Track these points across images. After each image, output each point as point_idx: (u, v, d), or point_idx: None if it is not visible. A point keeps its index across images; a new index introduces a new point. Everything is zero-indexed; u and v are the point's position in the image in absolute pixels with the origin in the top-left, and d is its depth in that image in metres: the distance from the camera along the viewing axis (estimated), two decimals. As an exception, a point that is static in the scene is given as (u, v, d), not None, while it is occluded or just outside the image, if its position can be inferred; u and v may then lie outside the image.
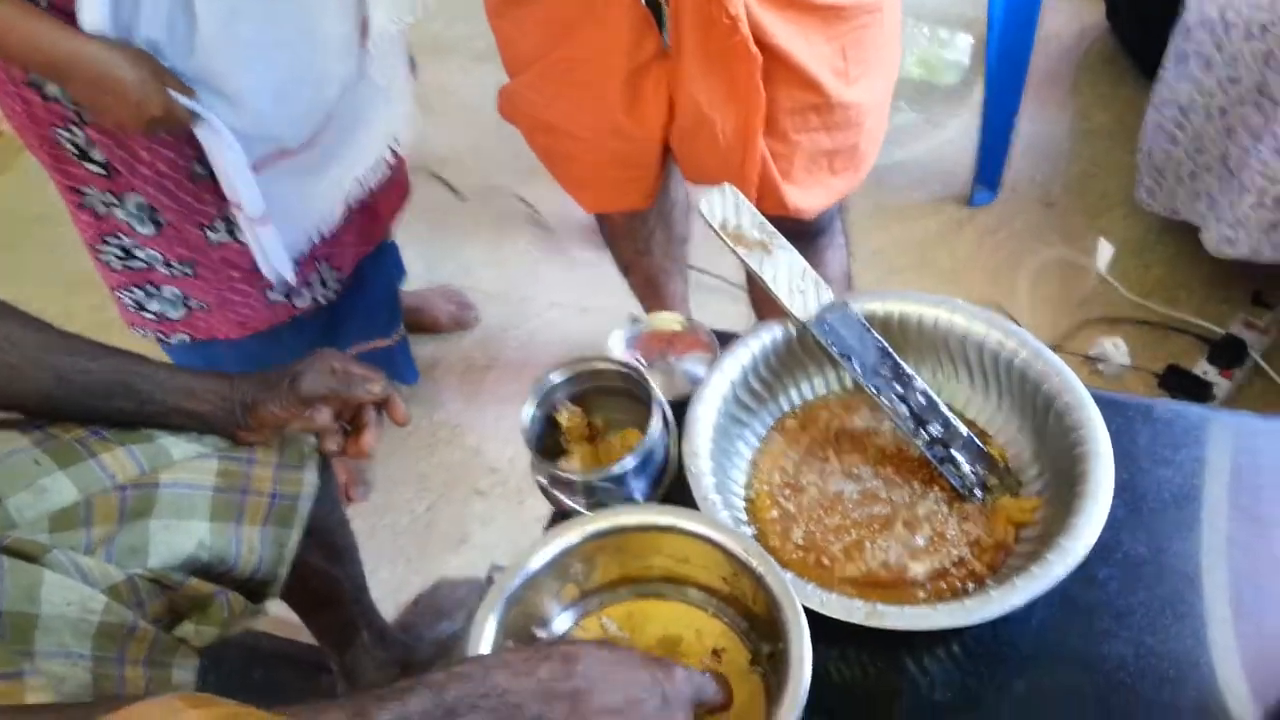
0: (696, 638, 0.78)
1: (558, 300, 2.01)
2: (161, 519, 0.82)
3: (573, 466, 0.91)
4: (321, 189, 1.26)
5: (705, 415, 0.87)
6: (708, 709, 0.69)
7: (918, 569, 0.82)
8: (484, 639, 0.72)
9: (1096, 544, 0.74)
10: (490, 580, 0.77)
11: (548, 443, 0.91)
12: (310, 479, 0.95)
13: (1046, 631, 0.78)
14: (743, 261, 0.92)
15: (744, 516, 0.87)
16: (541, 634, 0.78)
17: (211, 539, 0.85)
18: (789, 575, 0.74)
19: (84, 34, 0.97)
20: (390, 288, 1.62)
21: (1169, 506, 0.85)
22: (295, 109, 1.16)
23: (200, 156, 1.13)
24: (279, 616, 1.18)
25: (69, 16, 0.97)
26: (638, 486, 0.86)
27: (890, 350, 0.89)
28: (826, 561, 0.83)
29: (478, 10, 1.14)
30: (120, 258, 1.23)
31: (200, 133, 1.07)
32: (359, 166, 1.30)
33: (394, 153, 1.35)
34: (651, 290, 1.60)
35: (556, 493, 0.86)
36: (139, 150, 1.12)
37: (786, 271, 0.91)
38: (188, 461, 0.86)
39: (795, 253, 0.93)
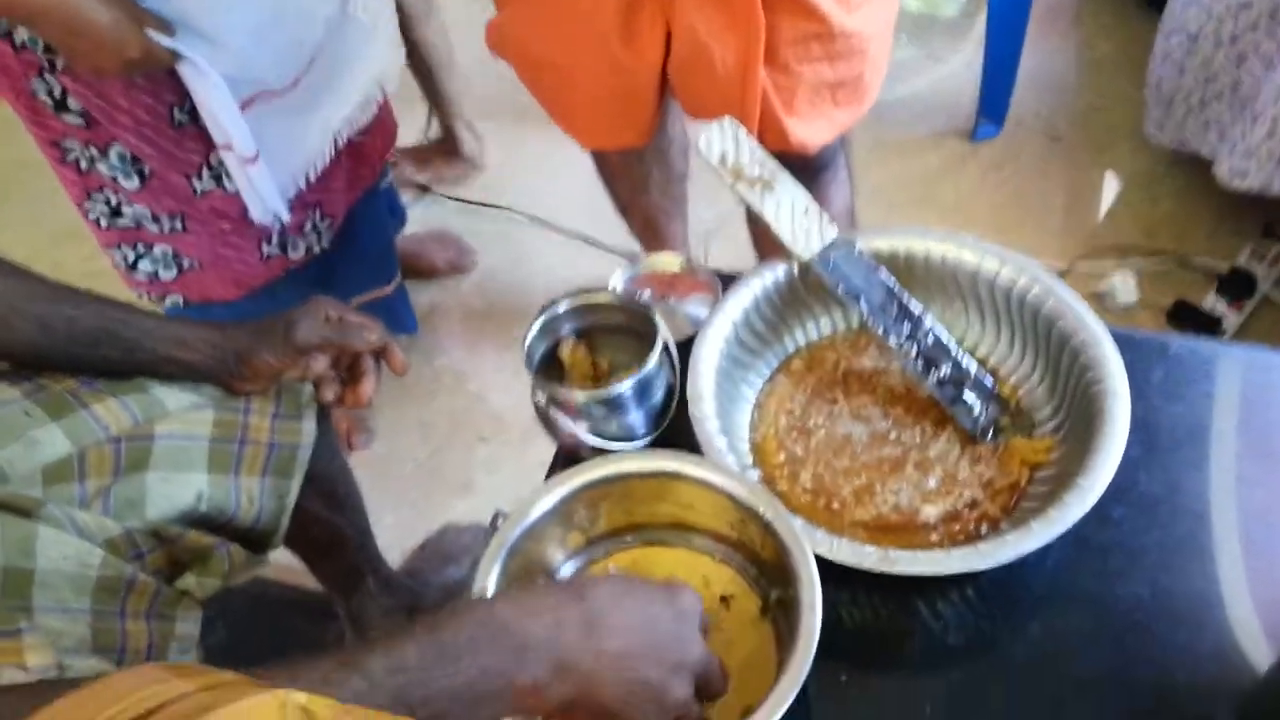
0: (704, 585, 0.77)
1: (556, 243, 1.98)
2: (158, 471, 0.81)
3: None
4: (310, 129, 1.23)
5: (708, 358, 0.85)
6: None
7: (930, 512, 0.80)
8: (488, 589, 0.71)
9: (1110, 483, 0.73)
10: (494, 525, 0.75)
11: (552, 381, 0.90)
12: (309, 428, 0.93)
13: (1060, 572, 0.77)
14: (743, 199, 0.89)
15: (750, 461, 0.86)
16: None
17: (210, 490, 0.83)
18: (798, 521, 0.73)
19: None
20: (384, 235, 1.59)
21: (1183, 444, 0.84)
22: (278, 48, 1.12)
23: (181, 102, 1.10)
24: (285, 564, 1.17)
25: None
26: (638, 418, 0.85)
27: (898, 289, 0.87)
28: (836, 505, 0.82)
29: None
30: (108, 215, 1.21)
31: (184, 71, 1.03)
32: (347, 106, 1.27)
33: (382, 92, 1.32)
34: (650, 231, 1.58)
35: (555, 416, 0.84)
36: (116, 97, 1.08)
37: (789, 208, 0.89)
38: (183, 412, 0.84)
39: (799, 187, 0.90)
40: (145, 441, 0.81)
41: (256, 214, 1.20)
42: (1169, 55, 1.69)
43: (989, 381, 0.86)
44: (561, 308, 0.88)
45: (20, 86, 1.08)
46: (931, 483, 0.82)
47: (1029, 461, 0.82)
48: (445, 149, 2.08)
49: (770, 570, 0.74)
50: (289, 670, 0.52)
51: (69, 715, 0.33)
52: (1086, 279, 1.75)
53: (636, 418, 0.85)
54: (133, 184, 1.17)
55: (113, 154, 1.14)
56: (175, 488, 0.81)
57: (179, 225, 1.23)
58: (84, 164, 1.15)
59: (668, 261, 1.00)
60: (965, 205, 1.93)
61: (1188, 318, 1.66)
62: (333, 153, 1.29)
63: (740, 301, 0.89)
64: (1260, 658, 0.72)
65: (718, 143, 0.90)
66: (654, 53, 1.10)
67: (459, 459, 1.69)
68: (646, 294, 0.97)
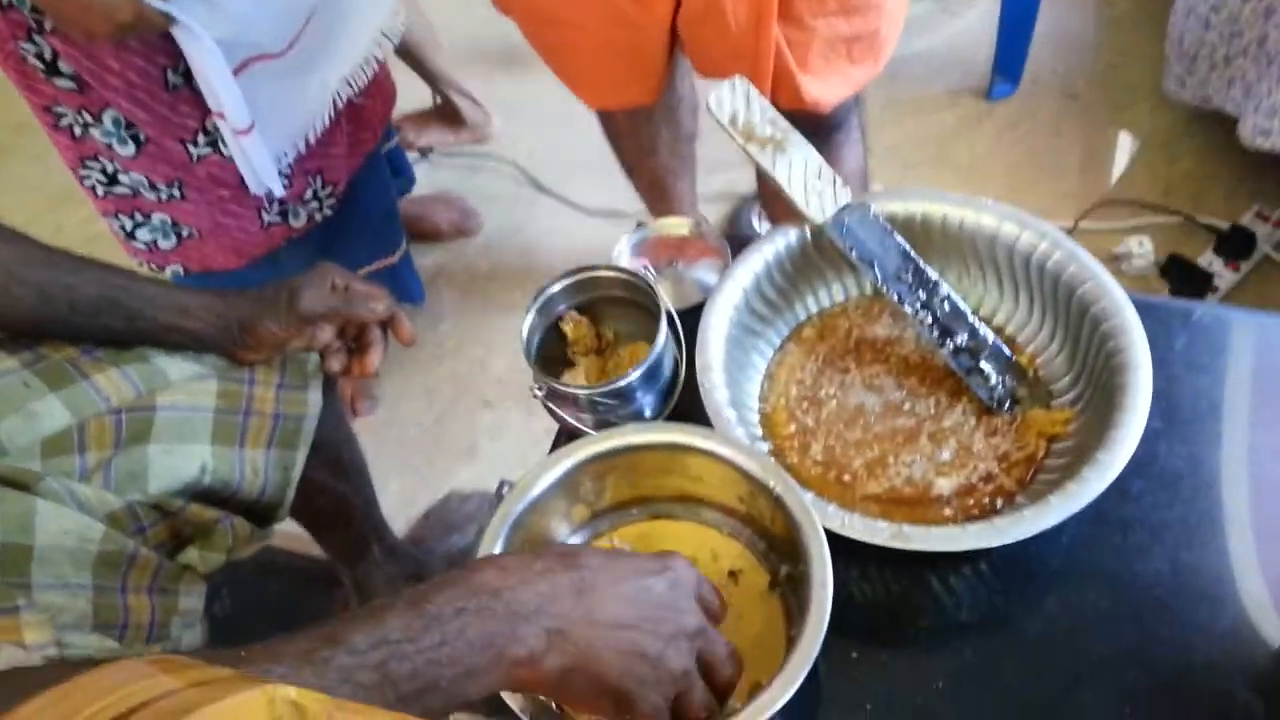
0: (712, 559, 0.76)
1: (562, 205, 1.95)
2: (161, 443, 0.80)
3: (576, 380, 0.88)
4: (308, 91, 1.20)
5: (718, 326, 0.83)
6: (708, 613, 0.66)
7: (944, 485, 0.78)
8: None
9: (1130, 457, 0.71)
10: (500, 495, 0.74)
11: (554, 355, 0.88)
12: (315, 399, 0.92)
13: (1077, 548, 0.75)
14: (754, 160, 0.86)
15: (759, 432, 0.84)
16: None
17: (214, 462, 0.82)
18: (809, 495, 0.71)
19: None
20: (388, 201, 1.56)
21: (1206, 417, 0.81)
22: (275, 10, 1.09)
23: (174, 64, 1.07)
24: (290, 532, 1.17)
25: None
26: (646, 401, 0.83)
27: (913, 254, 0.85)
28: (847, 478, 0.80)
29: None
30: (104, 183, 1.18)
31: (179, 35, 1.01)
32: (346, 66, 1.24)
33: (380, 51, 1.29)
34: (657, 191, 1.55)
35: (557, 409, 0.82)
36: (108, 60, 1.05)
37: (802, 170, 0.86)
38: (186, 383, 0.83)
39: (811, 149, 0.87)
40: (147, 413, 0.80)
41: (252, 185, 1.17)
42: (1192, 9, 1.64)
43: (1006, 351, 0.84)
44: (556, 287, 0.85)
45: (9, 49, 1.05)
46: (945, 455, 0.80)
47: (1046, 433, 0.80)
48: (446, 115, 2.05)
49: (780, 545, 0.73)
50: (272, 649, 0.49)
51: (51, 711, 0.32)
52: (1103, 240, 1.72)
53: (644, 402, 0.83)
54: (128, 151, 1.15)
55: (106, 119, 1.12)
56: (178, 460, 0.80)
57: (176, 193, 1.21)
58: (77, 130, 1.13)
59: (676, 225, 0.98)
60: (980, 165, 1.90)
61: (1181, 274, 1.64)
62: (332, 114, 1.26)
63: (751, 267, 0.87)
64: (1274, 633, 0.71)
65: (728, 102, 0.87)
66: (663, 6, 1.07)
67: (463, 424, 1.68)
68: (649, 269, 0.95)
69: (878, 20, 1.10)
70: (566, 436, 0.86)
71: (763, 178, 0.88)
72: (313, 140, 1.25)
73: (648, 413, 0.84)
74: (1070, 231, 1.72)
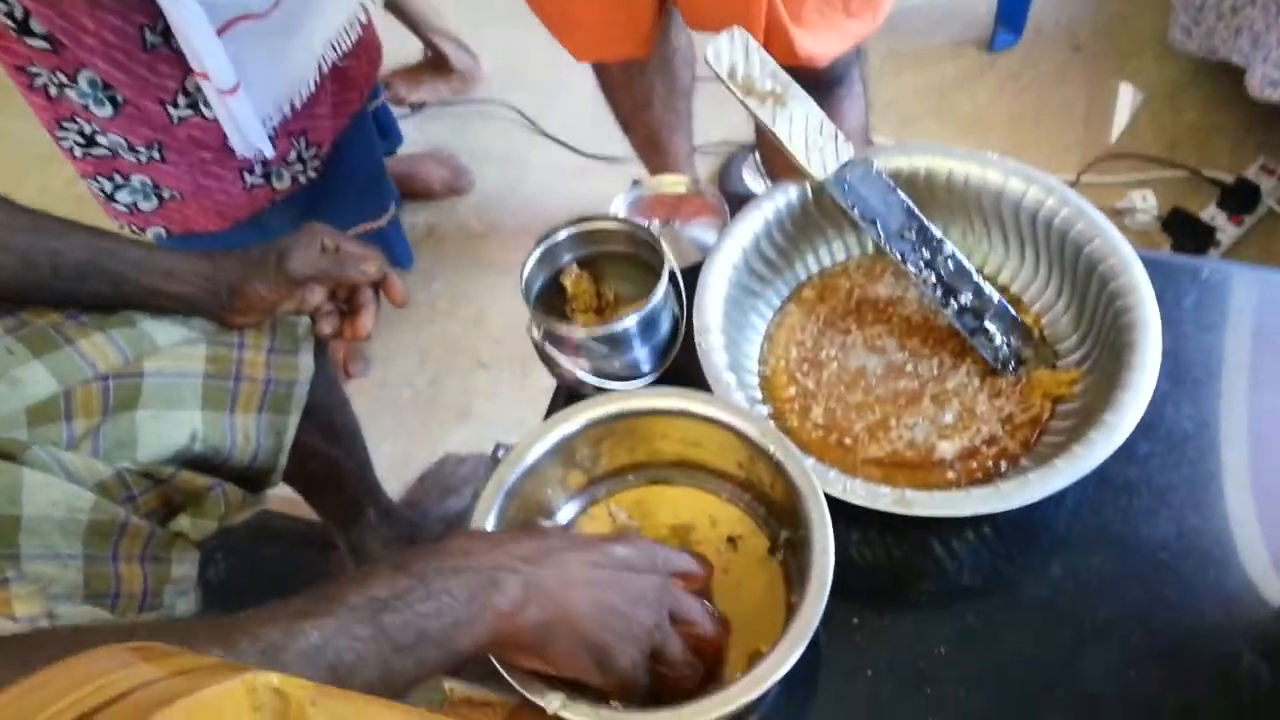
0: (710, 525, 0.75)
1: (556, 162, 1.92)
2: (149, 409, 0.78)
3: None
4: (293, 53, 1.17)
5: (716, 286, 0.81)
6: (692, 582, 0.67)
7: (946, 448, 0.77)
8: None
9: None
10: (496, 458, 0.73)
11: (553, 310, 0.86)
12: (306, 363, 0.91)
13: (1083, 511, 0.74)
14: (753, 115, 0.84)
15: (759, 395, 0.82)
16: (546, 524, 0.75)
17: (204, 429, 0.81)
18: (809, 460, 0.70)
19: None
20: (374, 162, 1.53)
21: (1214, 377, 0.80)
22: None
23: (152, 23, 1.04)
24: (284, 495, 1.16)
25: None
26: (643, 353, 0.81)
27: (917, 211, 0.82)
28: (848, 441, 0.79)
29: None
30: (82, 144, 1.15)
31: None
32: (330, 27, 1.21)
33: (365, 11, 1.25)
34: (653, 146, 1.52)
35: (553, 354, 0.81)
36: (82, 19, 1.02)
37: (802, 125, 0.84)
38: (174, 348, 0.81)
39: (812, 103, 0.84)
40: (135, 379, 0.78)
41: (239, 147, 1.15)
42: (1200, -44, 1.60)
43: (1011, 310, 0.82)
44: (562, 235, 0.84)
45: None
46: (948, 417, 0.79)
47: (1052, 395, 0.79)
48: (436, 65, 2.01)
49: (779, 510, 0.72)
50: (268, 611, 0.51)
51: (24, 701, 0.31)
52: (1106, 194, 1.69)
53: (641, 354, 0.81)
54: (105, 112, 1.12)
55: (82, 80, 1.09)
56: (167, 426, 0.79)
57: (156, 155, 1.18)
58: (53, 90, 1.09)
59: (673, 183, 0.95)
60: (982, 118, 1.87)
61: (1183, 228, 1.61)
62: (318, 77, 1.23)
63: (750, 225, 0.85)
64: (1275, 595, 0.70)
65: (726, 54, 0.84)
66: (656, -44, 1.04)
67: (457, 385, 1.66)
68: (655, 223, 0.93)
69: (877, -29, 1.08)
70: (564, 398, 0.85)
71: (761, 133, 0.86)
72: (299, 104, 1.22)
73: (644, 366, 0.82)
74: (1073, 185, 1.69)
